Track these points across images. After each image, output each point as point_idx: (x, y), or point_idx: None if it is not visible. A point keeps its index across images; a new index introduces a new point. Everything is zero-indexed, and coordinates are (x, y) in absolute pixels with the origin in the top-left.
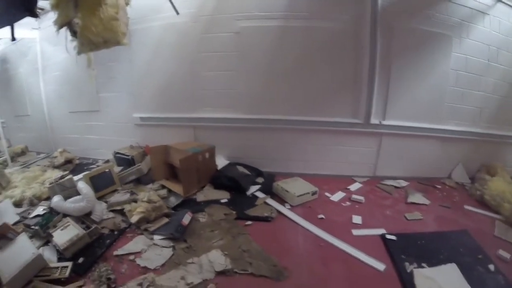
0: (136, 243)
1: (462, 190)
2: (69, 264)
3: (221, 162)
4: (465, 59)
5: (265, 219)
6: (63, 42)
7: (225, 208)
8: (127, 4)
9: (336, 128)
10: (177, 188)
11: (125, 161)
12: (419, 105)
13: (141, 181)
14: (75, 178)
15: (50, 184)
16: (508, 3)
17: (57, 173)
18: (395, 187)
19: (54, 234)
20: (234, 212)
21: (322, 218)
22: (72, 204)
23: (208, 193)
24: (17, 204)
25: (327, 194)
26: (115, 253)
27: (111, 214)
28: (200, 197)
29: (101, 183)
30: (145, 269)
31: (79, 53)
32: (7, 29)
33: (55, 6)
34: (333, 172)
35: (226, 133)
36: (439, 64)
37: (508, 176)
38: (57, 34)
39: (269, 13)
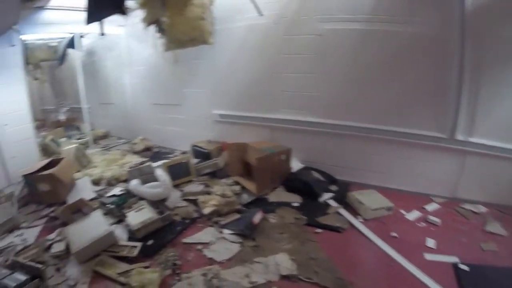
0: (205, 234)
1: None
2: (138, 244)
3: (295, 165)
4: None
5: (336, 229)
6: (147, 39)
7: (296, 212)
8: (210, 4)
9: (417, 141)
10: (250, 186)
11: (202, 154)
12: None
13: (216, 175)
14: (154, 165)
15: (130, 168)
16: None
17: (137, 159)
18: (473, 212)
19: (128, 214)
20: (305, 217)
21: (395, 236)
22: (149, 189)
23: (280, 195)
24: (95, 183)
25: (402, 211)
26: (184, 240)
27: (184, 203)
28: (272, 197)
29: (178, 173)
30: (211, 261)
31: (166, 50)
32: (96, 24)
33: (142, 5)
34: (409, 188)
35: (303, 136)
36: None
37: None
38: (145, 31)
39: (352, 15)
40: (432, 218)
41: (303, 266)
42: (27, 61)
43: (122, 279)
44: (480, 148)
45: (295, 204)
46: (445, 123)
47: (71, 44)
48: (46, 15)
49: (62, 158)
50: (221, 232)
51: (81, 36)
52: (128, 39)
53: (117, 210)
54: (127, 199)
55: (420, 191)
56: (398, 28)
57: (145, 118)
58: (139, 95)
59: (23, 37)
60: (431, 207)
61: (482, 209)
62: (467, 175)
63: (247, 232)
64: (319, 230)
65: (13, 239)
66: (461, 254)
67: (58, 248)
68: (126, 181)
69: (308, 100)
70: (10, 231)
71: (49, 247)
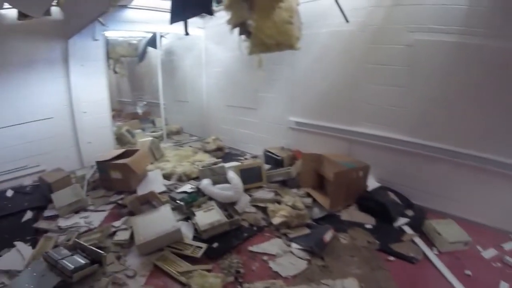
0: (272, 245)
1: None
2: (203, 246)
3: (371, 183)
4: None
5: (410, 260)
6: (226, 42)
7: (369, 235)
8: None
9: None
10: (322, 200)
11: (274, 161)
12: None
13: (286, 183)
14: (226, 165)
15: (203, 167)
16: None
17: (208, 158)
18: None
19: (196, 213)
20: (377, 242)
21: (468, 274)
22: (220, 191)
23: (353, 214)
24: (166, 177)
25: (478, 247)
26: (250, 248)
27: (253, 209)
28: (345, 215)
29: (249, 177)
30: (276, 275)
31: (250, 53)
32: (179, 24)
33: (228, 7)
34: (489, 223)
35: (382, 153)
36: None
37: None
38: (224, 34)
39: (444, 26)
40: (508, 259)
41: None
42: (108, 56)
43: (182, 278)
44: None
45: (368, 226)
46: None
47: (151, 42)
48: (128, 13)
49: (137, 150)
50: (289, 246)
51: (162, 36)
52: (206, 40)
53: (186, 207)
54: (197, 198)
55: (500, 227)
56: (496, 42)
57: (218, 118)
58: (214, 95)
59: (106, 33)
60: (509, 246)
61: None
62: None
63: (316, 250)
64: (391, 258)
65: (78, 220)
66: None
67: (122, 236)
68: (196, 178)
69: (391, 114)
70: (77, 211)
71: (113, 233)
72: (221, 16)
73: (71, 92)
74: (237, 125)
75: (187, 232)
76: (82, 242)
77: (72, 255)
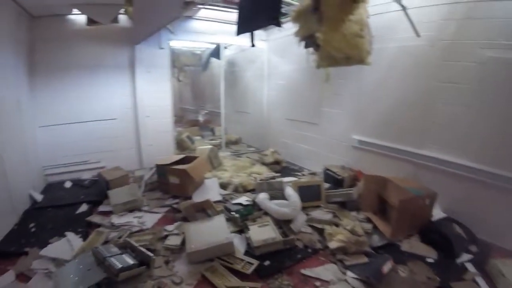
0: (326, 270)
1: None
2: (255, 262)
3: (436, 213)
4: None
5: None
6: (289, 55)
7: (429, 270)
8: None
9: None
10: (383, 227)
11: (333, 180)
12: None
13: (346, 205)
14: (284, 180)
15: (261, 180)
16: None
17: (265, 171)
18: None
19: (250, 227)
20: (438, 278)
21: None
22: (277, 207)
23: (414, 245)
24: (223, 186)
25: None
26: (303, 271)
27: (309, 229)
28: (405, 246)
29: (308, 195)
30: None
31: (318, 67)
32: (243, 36)
33: (295, 19)
34: None
35: (449, 179)
36: None
37: None
38: (287, 47)
39: None
40: None
41: None
42: (173, 64)
43: None
44: None
45: (429, 260)
46: None
47: (214, 53)
48: (194, 24)
49: (196, 156)
50: (344, 273)
51: (225, 47)
52: (269, 53)
53: (240, 220)
54: (252, 211)
55: None
56: None
57: (278, 131)
58: (274, 108)
59: (171, 42)
60: None
61: None
62: None
63: (374, 281)
64: None
65: (132, 219)
66: None
67: (173, 241)
68: (252, 191)
69: (461, 138)
70: (131, 210)
71: (165, 237)
72: (285, 28)
73: (136, 96)
74: (297, 140)
75: (239, 245)
76: (132, 242)
77: (121, 253)
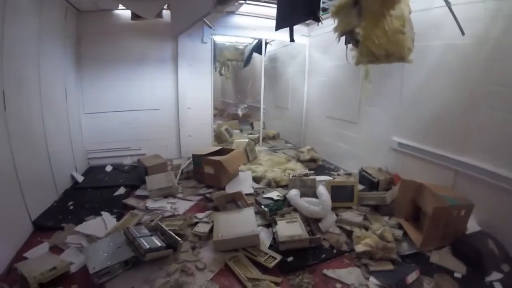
0: (349, 273)
1: None
2: (278, 257)
3: (471, 225)
4: None
5: None
6: (331, 51)
7: (456, 286)
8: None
9: None
10: (414, 235)
11: (368, 182)
12: None
13: (378, 209)
14: (318, 179)
15: (293, 176)
16: None
17: (300, 167)
18: None
19: (278, 222)
20: None
21: None
22: (307, 205)
23: (444, 257)
24: (256, 180)
25: None
26: (325, 271)
27: (337, 230)
28: (434, 257)
29: (339, 195)
30: None
31: (357, 63)
32: (285, 31)
33: (335, 13)
34: None
35: (490, 191)
36: None
37: None
38: (329, 43)
39: None
40: None
41: None
42: (216, 59)
43: (249, 284)
44: None
45: (458, 275)
46: None
47: (257, 48)
48: (236, 19)
49: (232, 149)
50: (367, 278)
51: (267, 43)
52: (311, 48)
53: (269, 214)
54: (282, 207)
55: None
56: None
57: (316, 128)
58: (314, 105)
59: (214, 37)
60: None
61: None
62: None
63: None
64: None
65: (165, 204)
66: None
67: (202, 228)
68: (285, 187)
69: (506, 147)
70: (166, 196)
71: (194, 224)
72: (327, 24)
73: (178, 88)
74: (334, 138)
75: (265, 239)
76: (163, 226)
77: (150, 235)
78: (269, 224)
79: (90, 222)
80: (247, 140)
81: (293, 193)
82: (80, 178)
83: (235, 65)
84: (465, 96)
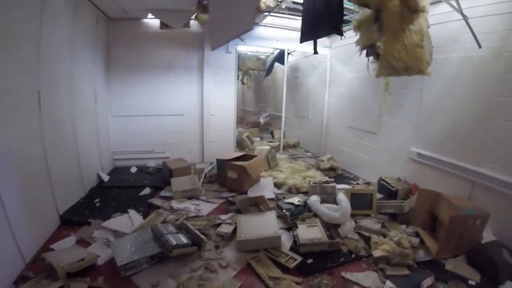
0: (366, 277)
1: None
2: (298, 258)
3: (487, 235)
4: None
5: None
6: (351, 63)
7: None
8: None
9: None
10: (430, 243)
11: (387, 191)
12: None
13: (396, 217)
14: (337, 186)
15: (314, 183)
16: None
17: (320, 176)
18: None
19: (299, 226)
20: None
21: None
22: (327, 210)
23: (458, 265)
24: (277, 186)
25: None
26: (343, 274)
27: (356, 236)
28: (449, 265)
29: (358, 203)
30: None
31: (377, 75)
32: (307, 43)
33: (357, 28)
34: None
35: (506, 202)
36: None
37: None
38: (350, 55)
39: None
40: None
41: None
42: (238, 68)
43: (270, 283)
44: None
45: (471, 282)
46: None
47: (278, 58)
48: (260, 31)
49: (255, 155)
50: (383, 282)
51: (289, 53)
52: (332, 60)
53: (290, 218)
54: (303, 212)
55: None
56: None
57: (336, 138)
58: (334, 115)
59: (238, 47)
60: None
61: None
62: None
63: None
64: None
65: (190, 205)
66: None
67: (225, 229)
68: (305, 193)
69: None
70: (189, 198)
71: (218, 225)
72: (349, 36)
73: (203, 95)
74: (354, 148)
75: (286, 241)
76: (188, 224)
77: (177, 233)
78: (290, 227)
79: (117, 219)
80: (268, 147)
81: (314, 199)
82: (106, 178)
83: (256, 75)
84: (481, 107)
